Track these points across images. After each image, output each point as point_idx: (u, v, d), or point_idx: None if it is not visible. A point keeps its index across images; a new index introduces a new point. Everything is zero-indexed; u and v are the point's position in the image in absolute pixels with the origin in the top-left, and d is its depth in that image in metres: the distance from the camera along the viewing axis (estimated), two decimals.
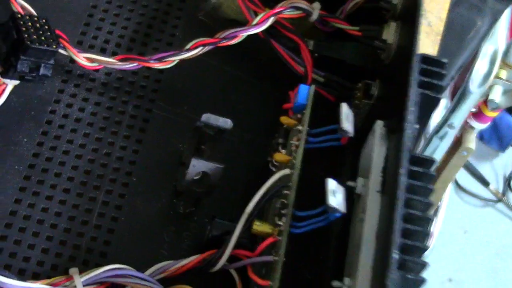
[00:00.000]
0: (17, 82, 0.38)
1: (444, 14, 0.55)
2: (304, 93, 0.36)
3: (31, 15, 0.39)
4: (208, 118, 0.38)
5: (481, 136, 1.02)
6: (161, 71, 0.42)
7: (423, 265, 0.31)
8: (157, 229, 0.39)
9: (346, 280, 0.33)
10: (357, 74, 0.43)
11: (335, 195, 0.31)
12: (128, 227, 0.38)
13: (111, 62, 0.41)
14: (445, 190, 0.81)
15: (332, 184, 0.31)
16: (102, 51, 0.43)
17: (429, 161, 0.35)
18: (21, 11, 0.40)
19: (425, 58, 0.38)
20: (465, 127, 0.76)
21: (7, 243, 0.36)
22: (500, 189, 0.99)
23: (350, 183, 0.36)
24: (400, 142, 0.33)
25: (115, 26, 0.45)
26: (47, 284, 0.35)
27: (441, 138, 0.77)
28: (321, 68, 0.43)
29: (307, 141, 0.35)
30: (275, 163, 0.39)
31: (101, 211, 0.38)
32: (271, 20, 0.41)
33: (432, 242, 0.83)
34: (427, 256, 0.32)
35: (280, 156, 0.36)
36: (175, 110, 0.42)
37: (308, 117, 0.36)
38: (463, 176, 0.94)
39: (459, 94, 0.77)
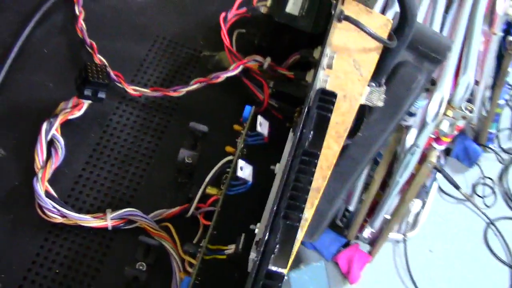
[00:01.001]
0: (89, 101, 0.65)
1: (372, 69, 0.76)
2: (247, 111, 0.58)
3: (96, 64, 0.63)
4: (194, 125, 0.62)
5: (457, 156, 1.48)
6: (178, 97, 0.68)
7: (299, 217, 0.52)
8: (163, 191, 0.62)
9: (258, 224, 0.55)
10: (297, 102, 0.63)
11: (243, 170, 0.53)
12: (146, 189, 0.60)
13: (147, 91, 0.66)
14: (416, 190, 1.20)
15: (241, 163, 0.53)
16: (144, 85, 0.67)
17: (314, 154, 0.55)
18: (98, 61, 0.68)
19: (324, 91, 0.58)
20: (429, 147, 1.08)
21: (73, 192, 0.61)
22: (469, 192, 1.45)
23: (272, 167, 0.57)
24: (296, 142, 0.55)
25: (155, 71, 0.68)
26: (91, 216, 0.61)
27: (412, 154, 1.11)
28: (276, 97, 0.65)
29: (245, 139, 0.58)
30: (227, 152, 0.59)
31: (131, 178, 0.62)
32: (240, 68, 0.64)
33: (419, 226, 1.42)
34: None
35: (229, 148, 0.59)
36: (184, 121, 0.62)
37: (248, 125, 0.59)
38: (443, 182, 1.37)
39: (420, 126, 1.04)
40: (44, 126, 0.60)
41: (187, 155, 0.59)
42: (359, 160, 1.05)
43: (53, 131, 0.61)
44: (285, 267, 0.53)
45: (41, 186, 0.58)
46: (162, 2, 0.73)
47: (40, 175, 0.58)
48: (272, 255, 0.48)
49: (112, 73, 0.65)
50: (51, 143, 0.61)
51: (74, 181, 0.61)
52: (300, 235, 0.63)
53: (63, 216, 0.57)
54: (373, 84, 0.89)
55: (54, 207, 0.57)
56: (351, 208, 1.43)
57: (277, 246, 0.49)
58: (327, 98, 0.56)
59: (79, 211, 0.58)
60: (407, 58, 0.96)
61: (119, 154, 0.63)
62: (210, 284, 0.53)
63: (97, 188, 0.60)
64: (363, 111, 0.94)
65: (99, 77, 0.60)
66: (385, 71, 0.89)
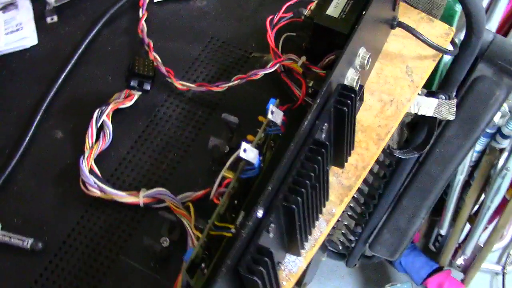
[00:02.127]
0: (139, 93, 0.72)
1: (425, 76, 0.76)
2: (270, 103, 0.62)
3: (144, 58, 0.69)
4: (225, 116, 0.67)
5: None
6: (221, 93, 0.73)
7: (297, 200, 0.53)
8: (196, 177, 0.67)
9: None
10: None
11: (246, 152, 0.56)
12: (180, 174, 0.66)
13: (193, 86, 0.72)
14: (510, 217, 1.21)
15: (244, 145, 0.56)
16: (193, 81, 0.72)
17: (324, 144, 0.57)
18: (153, 58, 0.75)
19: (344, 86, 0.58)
20: None
21: (115, 172, 0.68)
22: None
23: None
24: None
25: (205, 69, 0.73)
26: (126, 193, 0.67)
27: (503, 178, 1.15)
28: (313, 96, 0.67)
29: (265, 129, 0.62)
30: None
31: (168, 163, 0.68)
32: (277, 65, 0.68)
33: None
34: None
35: (250, 137, 0.63)
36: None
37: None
38: None
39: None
40: (96, 112, 0.68)
41: (216, 143, 0.64)
42: (437, 177, 1.04)
43: (103, 117, 0.68)
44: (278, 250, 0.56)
45: (86, 164, 0.65)
46: (222, 8, 0.79)
47: (86, 154, 0.66)
48: (264, 232, 0.51)
49: (163, 69, 0.71)
50: (101, 128, 0.69)
51: (118, 163, 0.68)
52: (326, 229, 0.65)
53: (102, 191, 0.64)
54: (443, 97, 0.89)
55: (95, 183, 0.64)
56: (443, 232, 1.40)
57: (271, 225, 0.52)
58: (346, 93, 0.59)
59: (118, 188, 0.65)
60: (486, 73, 0.95)
61: (161, 141, 0.69)
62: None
63: (136, 170, 0.67)
64: (433, 124, 0.94)
65: (145, 70, 0.67)
66: (454, 83, 0.90)
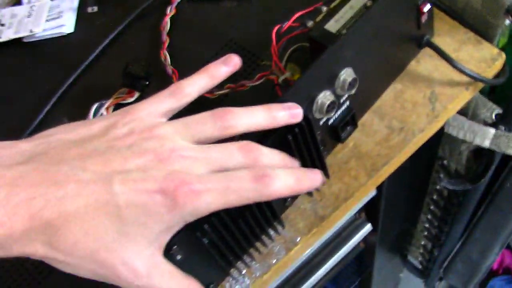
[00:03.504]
0: (138, 93, 0.74)
1: (450, 107, 0.67)
2: None
3: (141, 59, 0.72)
4: None
5: None
6: (220, 98, 0.72)
7: None
8: None
9: None
10: None
11: None
12: None
13: None
14: None
15: None
16: None
17: None
18: (163, 56, 0.76)
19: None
20: None
21: None
22: None
23: None
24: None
25: None
26: None
27: None
28: None
29: None
30: None
31: None
32: (262, 79, 0.66)
33: None
34: None
35: None
36: None
37: None
38: None
39: None
40: (95, 105, 0.72)
41: None
42: (508, 213, 0.94)
43: (102, 110, 0.72)
44: None
45: None
46: (250, 11, 0.78)
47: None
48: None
49: (169, 69, 0.73)
50: None
51: None
52: (285, 257, 0.63)
53: None
54: (502, 127, 0.80)
55: None
56: None
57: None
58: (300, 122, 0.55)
59: None
60: None
61: None
62: None
63: None
64: (491, 157, 0.85)
65: (137, 70, 0.69)
66: None
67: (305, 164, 0.58)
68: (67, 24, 0.80)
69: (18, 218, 0.39)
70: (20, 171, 0.41)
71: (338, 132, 0.64)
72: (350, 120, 0.65)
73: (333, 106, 0.60)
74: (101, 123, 0.47)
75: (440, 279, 1.35)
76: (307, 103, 0.58)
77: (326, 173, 0.63)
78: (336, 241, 0.94)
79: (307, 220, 0.64)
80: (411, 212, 1.11)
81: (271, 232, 0.61)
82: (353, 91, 0.61)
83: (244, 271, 0.62)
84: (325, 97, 0.59)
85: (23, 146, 0.44)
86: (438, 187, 1.03)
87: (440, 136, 0.93)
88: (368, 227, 0.94)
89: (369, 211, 0.93)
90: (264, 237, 0.60)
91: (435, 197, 1.07)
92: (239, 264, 0.59)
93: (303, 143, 0.56)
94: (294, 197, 0.64)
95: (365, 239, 1.01)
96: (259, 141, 0.52)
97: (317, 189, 0.64)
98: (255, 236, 0.58)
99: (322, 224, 0.64)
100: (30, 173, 0.41)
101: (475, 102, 0.83)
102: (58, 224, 0.40)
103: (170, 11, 0.78)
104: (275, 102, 0.53)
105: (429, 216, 1.12)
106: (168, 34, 0.77)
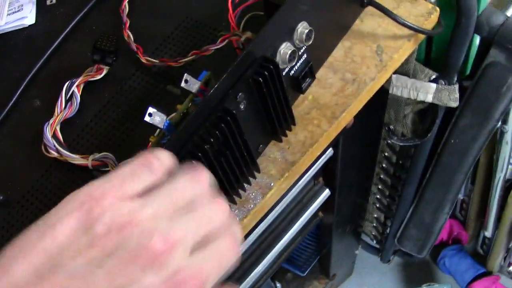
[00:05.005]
0: (108, 67, 0.79)
1: (396, 57, 0.75)
2: (202, 75, 0.66)
3: (109, 35, 0.78)
4: (169, 88, 0.72)
5: None
6: (184, 67, 0.78)
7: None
8: (144, 145, 0.73)
9: None
10: None
11: (152, 116, 0.60)
12: (131, 142, 0.72)
13: (156, 62, 0.77)
14: None
15: (150, 109, 0.60)
16: (160, 57, 0.79)
17: (230, 112, 0.60)
18: (126, 35, 0.81)
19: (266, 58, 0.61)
20: None
21: (77, 137, 0.76)
22: None
23: None
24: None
25: (174, 46, 0.78)
26: (80, 156, 0.74)
27: None
28: None
29: (193, 99, 0.66)
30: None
31: (124, 131, 0.75)
32: (225, 42, 0.72)
33: None
34: None
35: (179, 106, 0.67)
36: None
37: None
38: None
39: None
40: (66, 84, 0.76)
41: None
42: (455, 169, 1.02)
43: (73, 88, 0.76)
44: None
45: (50, 129, 0.73)
46: None
47: (51, 121, 0.74)
48: None
49: (133, 46, 0.78)
50: (71, 98, 0.76)
51: (81, 129, 0.75)
52: (262, 201, 0.68)
53: (59, 153, 0.72)
54: (443, 82, 0.88)
55: (54, 145, 0.72)
56: (488, 234, 1.35)
57: None
58: (265, 65, 0.61)
59: (77, 152, 0.72)
60: (499, 58, 0.93)
61: (121, 111, 0.75)
62: None
63: (95, 137, 0.74)
64: (435, 111, 0.92)
65: (107, 45, 0.74)
66: (453, 67, 0.88)
67: (275, 110, 0.64)
68: (28, 16, 0.84)
69: None
70: None
71: (299, 82, 0.70)
72: (308, 72, 0.71)
73: (294, 55, 0.66)
74: (65, 227, 0.37)
75: (394, 252, 1.43)
76: (271, 53, 0.64)
77: (292, 119, 0.69)
78: (297, 208, 0.99)
79: (278, 166, 0.70)
80: (363, 180, 1.19)
81: (249, 178, 0.66)
82: (310, 42, 0.68)
83: None
84: (286, 47, 0.65)
85: None
86: (386, 154, 1.11)
87: (385, 102, 1.00)
88: (326, 192, 1.01)
89: (327, 176, 0.99)
90: (243, 182, 0.66)
91: (384, 165, 1.14)
92: None
93: (272, 87, 0.62)
94: (265, 143, 0.69)
95: (323, 208, 1.07)
96: (228, 89, 0.58)
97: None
98: (236, 178, 0.64)
99: (293, 168, 0.70)
100: None
101: (413, 68, 0.92)
102: None
103: None
104: None
105: (380, 186, 1.20)
106: (128, 16, 0.82)
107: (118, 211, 0.37)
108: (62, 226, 0.37)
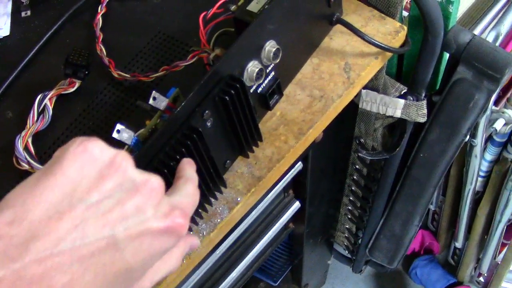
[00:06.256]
0: (80, 81, 0.80)
1: (363, 74, 0.77)
2: (170, 92, 0.67)
3: (81, 49, 0.78)
4: (139, 103, 0.73)
5: None
6: (155, 82, 0.79)
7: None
8: None
9: None
10: None
11: (120, 133, 0.61)
12: None
13: (128, 76, 0.79)
14: None
15: (118, 126, 0.61)
16: (131, 71, 0.80)
17: (196, 130, 0.62)
18: (99, 49, 0.82)
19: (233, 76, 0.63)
20: None
21: (49, 150, 0.76)
22: None
23: None
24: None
25: (146, 61, 0.80)
26: None
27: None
28: None
29: (162, 116, 0.67)
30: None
31: None
32: (195, 58, 0.74)
33: None
34: None
35: (147, 122, 0.68)
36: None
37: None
38: None
39: None
40: (39, 97, 0.77)
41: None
42: (424, 182, 1.04)
43: (46, 101, 0.77)
44: None
45: (21, 142, 0.74)
46: (175, 4, 0.85)
47: (23, 133, 0.75)
48: None
49: (106, 60, 0.79)
50: (43, 111, 0.77)
51: (52, 142, 0.76)
52: (228, 216, 0.69)
53: (30, 166, 0.73)
54: (411, 98, 0.90)
55: (26, 158, 0.73)
56: (458, 245, 1.37)
57: None
58: (231, 83, 0.63)
59: None
60: (466, 75, 0.95)
61: (92, 125, 0.77)
62: None
63: None
64: (404, 126, 0.95)
65: (79, 59, 0.75)
66: (421, 84, 0.91)
67: (241, 127, 0.66)
68: (3, 28, 0.85)
69: None
70: (17, 270, 0.36)
71: (267, 99, 0.72)
72: (276, 89, 0.73)
73: (261, 73, 0.68)
74: (72, 163, 0.40)
75: (366, 262, 1.45)
76: (238, 71, 0.66)
77: (259, 136, 0.71)
78: (267, 220, 1.01)
79: (245, 181, 0.71)
80: (334, 192, 1.20)
81: (216, 192, 0.68)
82: (277, 60, 0.70)
83: (192, 232, 0.68)
84: (253, 65, 0.67)
85: (8, 233, 0.37)
86: (357, 166, 1.13)
87: (355, 116, 1.02)
88: (296, 205, 1.02)
89: (297, 188, 1.01)
90: (209, 197, 0.67)
91: (355, 177, 1.16)
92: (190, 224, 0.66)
93: (238, 105, 0.63)
94: (232, 159, 0.71)
95: (294, 219, 1.09)
96: (195, 106, 0.60)
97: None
98: (203, 194, 0.65)
99: (259, 184, 0.72)
100: (31, 268, 0.36)
101: (384, 83, 0.94)
102: None
103: (101, 9, 0.85)
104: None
105: (351, 198, 1.22)
106: (101, 30, 0.83)
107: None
108: (69, 162, 0.40)
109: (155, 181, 0.43)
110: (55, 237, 0.37)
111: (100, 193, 0.40)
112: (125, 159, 0.43)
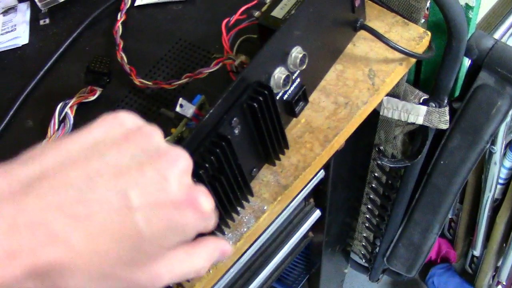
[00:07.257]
0: (101, 89, 0.79)
1: (388, 80, 0.76)
2: (196, 99, 0.66)
3: (102, 57, 0.76)
4: (163, 111, 0.72)
5: None
6: (177, 90, 0.78)
7: None
8: None
9: None
10: None
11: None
12: None
13: (150, 84, 0.78)
14: None
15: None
16: (153, 79, 0.79)
17: (224, 138, 0.61)
18: (119, 57, 0.81)
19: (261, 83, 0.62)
20: None
21: None
22: None
23: None
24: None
25: (167, 68, 0.79)
26: None
27: None
28: None
29: (187, 123, 0.66)
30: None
31: None
32: (219, 65, 0.73)
33: None
34: None
35: (173, 130, 0.67)
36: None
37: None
38: None
39: None
40: (59, 105, 0.76)
41: None
42: (445, 191, 1.03)
43: (66, 109, 0.76)
44: None
45: None
46: (195, 11, 0.84)
47: (44, 142, 0.74)
48: None
49: (126, 67, 0.78)
50: (64, 120, 0.76)
51: None
52: (255, 225, 0.68)
53: None
54: (433, 104, 0.89)
55: None
56: (476, 253, 1.35)
57: None
58: (260, 90, 0.62)
59: None
60: (488, 81, 0.94)
61: None
62: None
63: None
64: (426, 133, 0.93)
65: (100, 67, 0.74)
66: (444, 90, 0.89)
67: (268, 134, 0.64)
68: (22, 36, 0.84)
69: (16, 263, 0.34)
70: (18, 203, 0.35)
71: (292, 106, 0.71)
72: (302, 96, 0.72)
73: (288, 80, 0.67)
74: (100, 126, 0.40)
75: (383, 271, 1.43)
76: (265, 78, 0.65)
77: (286, 143, 0.70)
78: (288, 229, 0.99)
79: (271, 190, 0.70)
80: (353, 200, 1.19)
81: (242, 201, 0.67)
82: (303, 67, 0.68)
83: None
84: (280, 72, 0.66)
85: (17, 171, 0.37)
86: (376, 174, 1.12)
87: (376, 123, 1.01)
88: (317, 213, 1.01)
89: (317, 197, 1.00)
90: (236, 205, 0.66)
91: (374, 185, 1.15)
92: (217, 233, 0.65)
93: (266, 112, 0.62)
94: (259, 167, 0.70)
95: (313, 228, 1.07)
96: (223, 114, 0.58)
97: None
98: (230, 202, 0.64)
99: (286, 192, 0.70)
100: (31, 204, 0.35)
101: (404, 90, 0.93)
102: (60, 268, 0.35)
103: (121, 17, 0.84)
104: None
105: (369, 206, 1.20)
106: (121, 37, 0.82)
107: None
108: (97, 124, 0.40)
109: (183, 154, 0.40)
110: (61, 181, 0.36)
111: (121, 152, 0.38)
112: (155, 130, 0.41)
